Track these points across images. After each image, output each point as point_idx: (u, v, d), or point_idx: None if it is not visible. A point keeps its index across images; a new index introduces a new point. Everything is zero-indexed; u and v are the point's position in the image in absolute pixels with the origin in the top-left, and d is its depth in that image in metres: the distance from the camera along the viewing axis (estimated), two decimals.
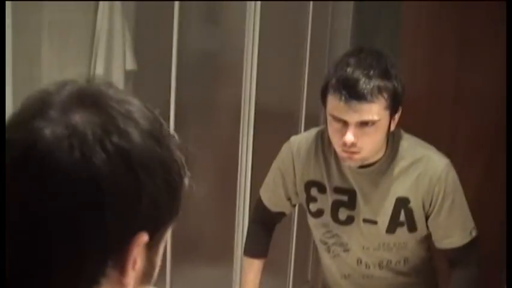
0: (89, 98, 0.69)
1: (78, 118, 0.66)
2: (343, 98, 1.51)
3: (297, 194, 1.81)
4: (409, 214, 1.69)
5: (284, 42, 2.99)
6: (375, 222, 1.71)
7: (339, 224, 1.74)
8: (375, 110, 1.52)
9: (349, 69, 1.52)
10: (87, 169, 0.64)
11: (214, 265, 2.81)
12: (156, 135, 0.70)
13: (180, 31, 2.73)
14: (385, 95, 1.52)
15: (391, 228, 1.70)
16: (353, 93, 1.50)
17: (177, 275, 2.72)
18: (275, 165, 1.84)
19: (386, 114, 1.55)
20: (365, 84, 1.50)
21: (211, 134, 2.92)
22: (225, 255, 2.75)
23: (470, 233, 1.73)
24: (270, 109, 2.81)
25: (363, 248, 1.76)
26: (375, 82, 1.51)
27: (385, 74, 1.53)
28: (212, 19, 3.05)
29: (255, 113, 2.68)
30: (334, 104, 1.54)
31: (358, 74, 1.51)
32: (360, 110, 1.51)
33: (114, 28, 2.67)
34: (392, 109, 1.56)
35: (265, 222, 1.92)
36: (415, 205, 1.68)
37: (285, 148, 1.81)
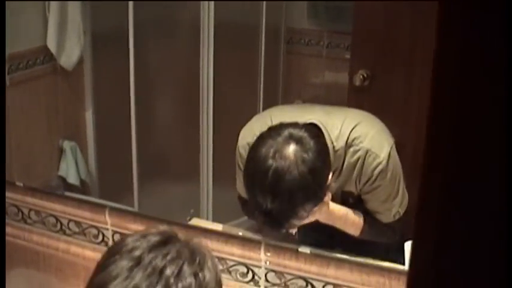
0: None
1: None
2: None
3: None
4: (357, 198, 1.79)
5: None
6: None
7: None
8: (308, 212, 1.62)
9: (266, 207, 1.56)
10: None
11: (181, 183, 2.84)
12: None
13: None
14: (309, 205, 1.60)
15: (346, 204, 1.80)
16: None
17: (144, 192, 2.75)
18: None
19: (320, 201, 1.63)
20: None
21: (171, 51, 2.87)
22: (191, 173, 2.78)
23: (394, 216, 1.79)
24: (229, 24, 2.77)
25: None
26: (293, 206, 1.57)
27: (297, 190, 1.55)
28: None
29: (214, 29, 2.64)
30: None
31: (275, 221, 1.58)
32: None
33: None
34: (320, 197, 1.62)
35: None
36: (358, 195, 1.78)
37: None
